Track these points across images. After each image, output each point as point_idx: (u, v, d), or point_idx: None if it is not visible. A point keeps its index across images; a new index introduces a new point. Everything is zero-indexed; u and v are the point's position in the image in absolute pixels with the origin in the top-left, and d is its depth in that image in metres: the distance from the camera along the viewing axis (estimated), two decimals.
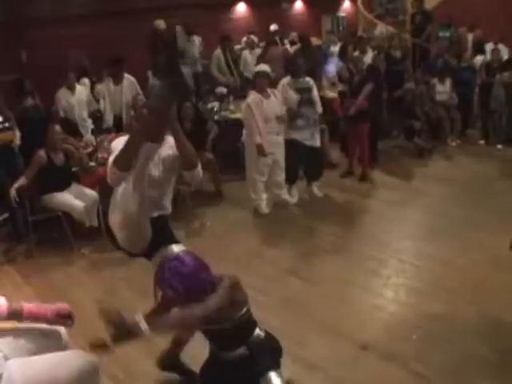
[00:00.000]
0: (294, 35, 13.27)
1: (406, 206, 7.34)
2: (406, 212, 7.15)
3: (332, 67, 10.22)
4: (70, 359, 2.93)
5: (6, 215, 7.04)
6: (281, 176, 7.44)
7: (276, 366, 3.53)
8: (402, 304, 5.07)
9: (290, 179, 7.71)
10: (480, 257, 5.74)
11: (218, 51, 11.43)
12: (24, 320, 2.98)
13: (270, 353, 3.58)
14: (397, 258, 5.92)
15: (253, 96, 7.11)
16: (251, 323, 3.61)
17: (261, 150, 6.98)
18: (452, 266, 5.61)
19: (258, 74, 7.25)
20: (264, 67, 7.35)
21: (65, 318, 3.16)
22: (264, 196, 7.48)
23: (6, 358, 2.79)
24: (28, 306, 3.04)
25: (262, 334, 3.61)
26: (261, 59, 10.41)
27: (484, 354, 4.23)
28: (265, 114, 6.99)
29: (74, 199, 6.57)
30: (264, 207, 7.43)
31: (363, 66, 8.45)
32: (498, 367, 4.09)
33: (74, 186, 6.77)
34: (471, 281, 5.29)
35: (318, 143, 7.68)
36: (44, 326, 3.18)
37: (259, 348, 3.50)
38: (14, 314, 2.87)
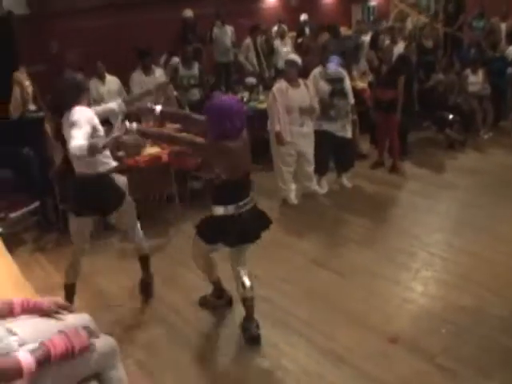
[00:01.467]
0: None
1: (436, 198, 7.26)
2: (436, 204, 7.06)
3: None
4: (94, 345, 2.94)
5: (36, 204, 7.12)
6: (309, 167, 7.40)
7: (249, 241, 4.50)
8: (431, 297, 5.02)
9: (321, 170, 7.67)
10: (510, 250, 5.66)
11: (248, 41, 11.41)
12: (18, 314, 2.98)
13: (249, 225, 4.39)
14: (426, 251, 5.86)
15: (278, 84, 7.12)
16: (240, 191, 4.37)
17: (279, 139, 6.97)
18: (482, 259, 5.55)
19: (286, 62, 7.25)
20: (293, 56, 7.31)
21: (62, 309, 3.18)
22: (293, 187, 7.45)
23: (22, 344, 2.79)
24: (17, 300, 3.06)
25: (249, 206, 4.40)
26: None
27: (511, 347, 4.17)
28: (288, 104, 6.95)
29: None
30: (293, 198, 7.41)
31: (392, 55, 8.34)
32: None
33: None
34: (501, 274, 5.22)
35: (349, 134, 7.62)
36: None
37: (246, 214, 4.32)
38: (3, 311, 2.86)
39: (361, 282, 5.31)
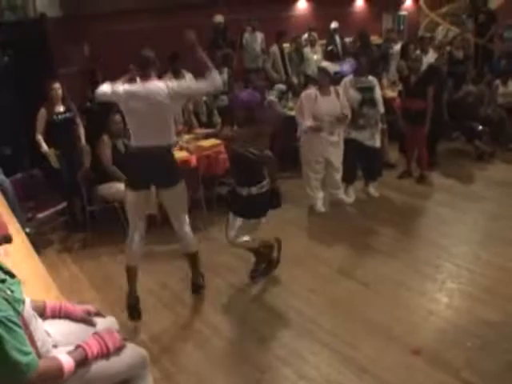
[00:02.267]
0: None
1: (464, 209, 7.19)
2: (463, 216, 7.00)
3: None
4: (124, 352, 2.96)
5: (64, 205, 7.20)
6: (337, 175, 7.39)
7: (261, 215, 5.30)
8: (456, 309, 4.98)
9: (348, 179, 7.65)
10: None
11: (275, 47, 11.43)
12: (47, 317, 3.02)
13: (262, 203, 5.22)
14: (453, 263, 5.81)
15: (309, 91, 7.16)
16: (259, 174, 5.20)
17: (314, 128, 7.00)
18: (508, 273, 5.49)
19: (319, 69, 7.31)
20: (325, 64, 7.32)
21: (94, 315, 3.22)
22: (320, 195, 7.45)
23: (55, 345, 2.83)
24: (51, 304, 3.11)
25: (264, 189, 5.20)
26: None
27: None
28: (316, 111, 6.95)
29: None
30: (320, 206, 7.40)
31: (422, 65, 8.29)
32: None
33: None
34: None
35: (378, 144, 7.59)
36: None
37: (259, 195, 5.15)
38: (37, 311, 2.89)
39: (385, 292, 5.29)
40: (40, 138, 6.82)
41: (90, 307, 3.29)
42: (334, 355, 4.36)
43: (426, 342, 4.48)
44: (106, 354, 2.80)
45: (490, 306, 4.94)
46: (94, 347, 2.75)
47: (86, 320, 3.15)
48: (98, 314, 3.28)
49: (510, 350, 4.31)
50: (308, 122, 6.95)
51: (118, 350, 2.88)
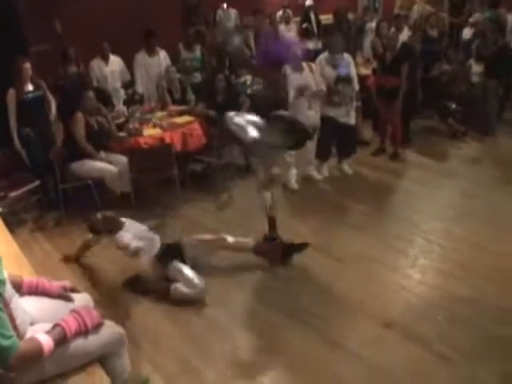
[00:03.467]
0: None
1: (437, 186, 7.25)
2: (436, 193, 7.05)
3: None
4: (100, 328, 2.96)
5: (36, 183, 7.13)
6: (310, 152, 7.42)
7: None
8: (429, 285, 5.03)
9: (322, 156, 7.67)
10: (510, 241, 5.66)
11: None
12: (23, 294, 3.00)
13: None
14: (425, 239, 5.86)
15: (282, 68, 7.11)
16: None
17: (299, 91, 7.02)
18: (481, 250, 5.54)
19: None
20: None
21: (69, 291, 3.22)
22: (293, 172, 7.46)
23: (32, 323, 2.82)
24: (28, 280, 3.09)
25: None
26: None
27: (508, 339, 4.18)
28: (292, 87, 6.95)
29: (105, 164, 6.65)
30: (293, 183, 7.41)
31: (397, 43, 8.30)
32: None
33: (103, 154, 6.83)
34: (500, 265, 5.22)
35: (352, 121, 7.60)
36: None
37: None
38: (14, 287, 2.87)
39: (358, 267, 5.33)
40: (15, 133, 6.78)
41: (66, 283, 3.28)
42: (308, 331, 4.39)
43: (398, 317, 4.52)
44: (84, 332, 2.80)
45: (462, 281, 4.99)
46: (72, 325, 2.74)
47: (63, 296, 3.15)
48: (73, 290, 3.29)
49: (482, 324, 4.36)
50: (291, 94, 6.96)
51: (97, 327, 2.88)
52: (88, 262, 5.68)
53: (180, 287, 4.80)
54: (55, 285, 3.18)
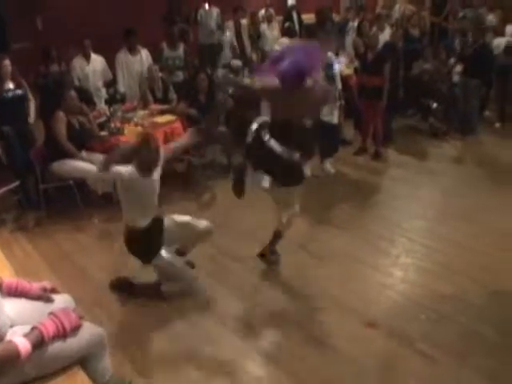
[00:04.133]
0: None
1: (419, 185, 7.29)
2: (418, 192, 7.09)
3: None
4: (80, 330, 2.93)
5: (17, 183, 7.06)
6: None
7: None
8: (411, 284, 5.05)
9: (305, 154, 7.66)
10: (492, 239, 5.70)
11: (231, 24, 11.35)
12: (3, 295, 2.97)
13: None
14: (407, 238, 5.88)
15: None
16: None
17: None
18: (463, 248, 5.57)
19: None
20: (282, 40, 7.29)
21: (50, 292, 3.19)
22: None
23: (11, 325, 2.79)
24: (7, 281, 3.06)
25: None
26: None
27: (490, 337, 4.21)
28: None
29: (87, 164, 6.60)
30: (266, 181, 7.40)
31: (378, 42, 8.34)
32: (503, 350, 4.07)
33: (84, 154, 6.78)
34: (482, 263, 5.25)
35: (335, 120, 7.60)
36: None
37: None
38: None
39: (341, 266, 5.33)
40: None
41: (46, 283, 3.25)
42: (290, 328, 4.39)
43: (381, 315, 4.54)
44: (62, 335, 2.77)
45: (444, 280, 5.02)
46: (50, 328, 2.71)
47: (43, 297, 3.11)
48: (53, 291, 3.25)
49: (464, 323, 4.38)
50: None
51: (75, 329, 2.86)
52: (72, 263, 5.63)
53: (170, 286, 4.76)
54: (35, 286, 3.15)
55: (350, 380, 3.82)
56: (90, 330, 3.02)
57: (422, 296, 4.80)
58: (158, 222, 4.68)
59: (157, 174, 4.62)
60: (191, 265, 5.11)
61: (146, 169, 4.42)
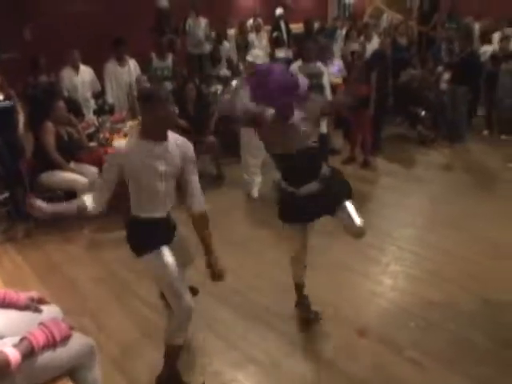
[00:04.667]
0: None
1: (408, 193, 7.32)
2: (407, 200, 7.12)
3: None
4: (69, 340, 2.93)
5: (6, 194, 7.03)
6: None
7: (349, 196, 4.45)
8: (401, 291, 5.06)
9: None
10: (481, 247, 5.73)
11: (231, 32, 11.45)
12: None
13: (340, 184, 4.47)
14: (397, 246, 5.91)
15: (238, 82, 7.22)
16: (318, 158, 4.31)
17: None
18: (452, 256, 5.60)
19: (247, 64, 7.19)
20: (255, 54, 7.24)
21: (38, 302, 3.19)
22: (258, 180, 7.52)
23: (1, 337, 2.79)
24: None
25: (329, 168, 4.39)
26: None
27: (480, 344, 4.23)
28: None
29: (76, 175, 6.59)
30: (255, 191, 7.43)
31: (365, 51, 8.40)
32: (493, 356, 4.09)
33: (73, 165, 6.77)
34: (471, 271, 5.28)
35: (324, 129, 7.63)
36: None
37: (330, 180, 4.29)
38: None
39: (330, 274, 5.33)
40: None
41: (34, 293, 3.25)
42: (281, 338, 4.39)
43: (371, 323, 4.55)
44: (52, 345, 2.77)
45: (433, 288, 5.04)
46: (40, 338, 2.71)
47: (31, 307, 3.11)
48: (41, 301, 3.25)
49: (454, 330, 4.40)
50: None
51: (65, 339, 2.85)
52: (62, 274, 5.61)
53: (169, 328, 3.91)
54: (22, 296, 3.14)
55: None
56: (79, 341, 3.01)
57: (411, 304, 4.81)
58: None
59: None
60: (195, 291, 4.66)
61: None
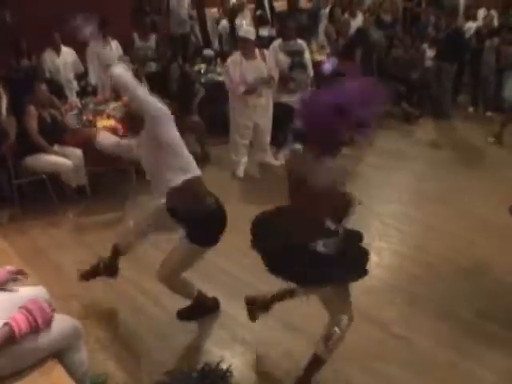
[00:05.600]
0: None
1: (393, 170, 7.33)
2: (392, 176, 7.14)
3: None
4: (55, 322, 2.92)
5: None
6: (264, 138, 7.47)
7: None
8: (386, 267, 5.08)
9: (279, 143, 7.69)
10: (467, 222, 5.78)
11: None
12: None
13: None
14: (382, 222, 5.93)
15: (233, 56, 7.13)
16: None
17: (248, 92, 6.98)
18: (437, 231, 5.63)
19: (239, 39, 7.27)
20: (245, 31, 7.23)
21: (16, 274, 3.17)
22: (244, 159, 7.52)
23: None
24: None
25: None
26: None
27: (465, 317, 4.27)
28: (242, 75, 6.93)
29: (59, 158, 6.54)
30: (241, 171, 7.44)
31: (349, 29, 8.36)
32: (478, 329, 4.14)
33: (57, 147, 6.71)
34: (456, 246, 5.31)
35: None
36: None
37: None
38: None
39: None
40: None
41: (9, 267, 3.21)
42: (267, 316, 4.39)
43: (356, 300, 4.54)
44: (35, 329, 2.74)
45: (419, 263, 5.06)
46: (21, 323, 2.68)
47: (11, 280, 3.09)
48: (20, 272, 3.22)
49: (440, 304, 4.45)
50: (241, 88, 6.92)
51: (48, 322, 2.83)
52: (48, 258, 5.58)
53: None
54: (0, 272, 3.12)
55: (329, 367, 3.82)
56: (63, 323, 3.00)
57: (397, 279, 4.85)
58: None
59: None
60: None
61: None
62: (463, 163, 7.47)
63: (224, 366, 2.12)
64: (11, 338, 2.63)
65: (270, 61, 7.10)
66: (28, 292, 3.13)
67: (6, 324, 2.65)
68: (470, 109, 10.11)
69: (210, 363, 2.05)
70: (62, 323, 2.98)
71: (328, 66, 7.39)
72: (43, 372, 2.82)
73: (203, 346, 4.18)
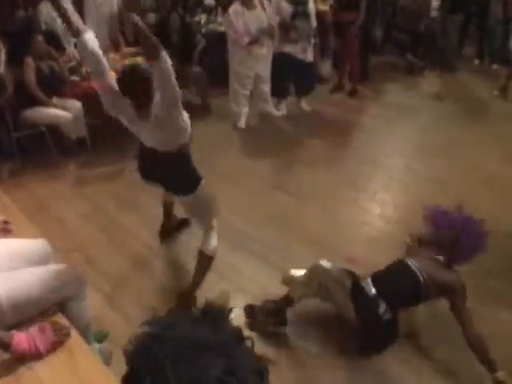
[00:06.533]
0: None
1: (396, 122, 7.27)
2: (395, 128, 7.07)
3: None
4: (57, 272, 2.90)
5: None
6: (265, 87, 7.41)
7: None
8: (389, 219, 5.07)
9: (280, 93, 7.63)
10: (469, 174, 5.74)
11: None
12: None
13: None
14: (385, 174, 5.90)
15: (234, 6, 7.00)
16: None
17: (253, 42, 6.94)
18: (440, 184, 5.60)
19: None
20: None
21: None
22: (245, 109, 7.45)
23: None
24: None
25: None
26: None
27: (465, 269, 4.26)
28: (245, 25, 6.86)
29: (58, 110, 6.47)
30: (242, 122, 7.39)
31: None
32: (476, 275, 4.16)
33: (56, 100, 6.63)
34: (457, 199, 5.26)
35: (310, 58, 7.52)
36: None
37: None
38: None
39: (319, 204, 5.33)
40: None
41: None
42: (270, 268, 4.39)
43: (360, 252, 4.56)
44: (34, 355, 2.55)
45: (421, 214, 5.03)
46: (22, 345, 2.53)
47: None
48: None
49: None
50: (246, 39, 6.84)
51: (52, 349, 2.62)
52: (50, 212, 5.55)
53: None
54: None
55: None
56: (67, 272, 2.99)
57: (399, 231, 4.80)
58: None
59: None
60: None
61: None
62: (467, 116, 7.40)
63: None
64: (7, 346, 2.54)
65: (269, 9, 7.02)
66: (31, 245, 3.11)
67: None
68: (476, 61, 9.98)
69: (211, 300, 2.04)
70: (64, 272, 2.96)
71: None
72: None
73: (206, 297, 4.17)
